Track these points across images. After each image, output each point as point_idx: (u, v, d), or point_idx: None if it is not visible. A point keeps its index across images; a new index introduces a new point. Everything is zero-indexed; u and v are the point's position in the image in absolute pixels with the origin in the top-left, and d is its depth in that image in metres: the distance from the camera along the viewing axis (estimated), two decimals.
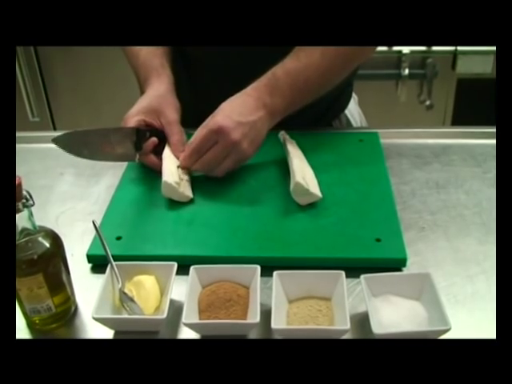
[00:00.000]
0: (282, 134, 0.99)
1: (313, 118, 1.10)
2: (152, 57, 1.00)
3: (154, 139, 0.92)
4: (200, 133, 0.88)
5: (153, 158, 0.93)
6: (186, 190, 0.89)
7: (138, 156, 0.93)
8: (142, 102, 0.94)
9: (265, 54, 0.88)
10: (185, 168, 0.91)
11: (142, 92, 0.99)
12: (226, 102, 0.89)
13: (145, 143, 0.92)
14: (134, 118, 0.92)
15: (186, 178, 0.91)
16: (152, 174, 0.94)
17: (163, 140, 0.94)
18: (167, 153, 0.93)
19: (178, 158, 0.92)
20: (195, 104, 1.01)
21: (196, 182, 0.92)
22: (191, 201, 0.89)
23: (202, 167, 0.91)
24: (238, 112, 0.87)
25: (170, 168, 0.90)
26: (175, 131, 0.93)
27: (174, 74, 1.00)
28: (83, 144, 0.91)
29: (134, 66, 1.02)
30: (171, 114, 0.93)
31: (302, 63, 0.90)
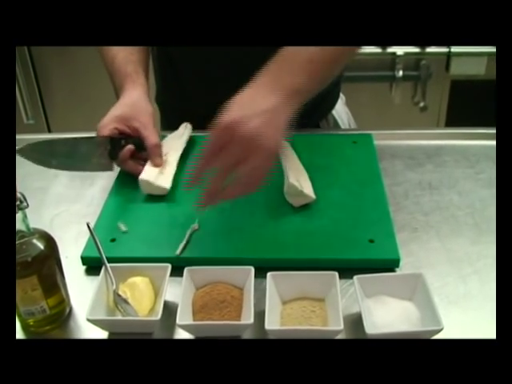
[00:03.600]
0: None
1: (299, 118, 1.10)
2: (126, 63, 1.00)
3: (131, 146, 0.92)
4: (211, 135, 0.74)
5: (132, 163, 0.93)
6: (164, 183, 0.89)
7: (114, 165, 0.92)
8: (115, 111, 0.94)
9: (255, 55, 0.88)
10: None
11: (118, 97, 0.99)
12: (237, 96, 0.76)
13: (121, 151, 0.92)
14: (107, 127, 0.92)
15: (167, 169, 0.92)
16: None
17: (139, 147, 0.93)
18: None
19: (156, 162, 0.92)
20: (190, 108, 1.01)
21: None
22: (186, 202, 0.89)
23: (221, 173, 0.73)
24: (250, 101, 0.75)
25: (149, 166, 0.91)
26: (150, 133, 0.92)
27: (161, 80, 0.99)
28: (49, 154, 0.91)
29: (110, 72, 1.02)
30: (144, 117, 0.93)
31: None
